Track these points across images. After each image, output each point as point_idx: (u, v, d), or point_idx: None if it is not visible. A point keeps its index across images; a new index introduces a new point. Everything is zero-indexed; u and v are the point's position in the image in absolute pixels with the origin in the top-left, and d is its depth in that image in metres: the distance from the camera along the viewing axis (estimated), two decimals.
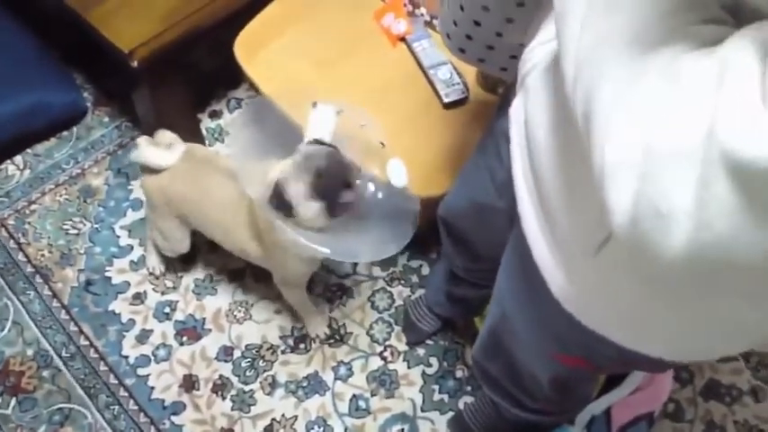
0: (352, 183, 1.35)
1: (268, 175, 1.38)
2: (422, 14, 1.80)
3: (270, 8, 1.84)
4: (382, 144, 1.50)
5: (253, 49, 1.78)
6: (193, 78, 2.10)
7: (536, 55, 0.87)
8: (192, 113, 2.15)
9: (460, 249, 1.42)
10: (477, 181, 1.19)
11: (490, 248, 1.32)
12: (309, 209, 1.33)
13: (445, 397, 1.74)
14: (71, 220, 1.99)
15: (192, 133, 2.01)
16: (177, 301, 1.87)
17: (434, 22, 1.80)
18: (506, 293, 1.05)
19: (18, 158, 2.10)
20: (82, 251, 1.94)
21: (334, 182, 1.33)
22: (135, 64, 1.72)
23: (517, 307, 1.02)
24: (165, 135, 1.67)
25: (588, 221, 0.74)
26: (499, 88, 1.71)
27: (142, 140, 1.64)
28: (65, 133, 2.16)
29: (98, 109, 2.21)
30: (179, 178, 1.61)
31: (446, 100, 1.69)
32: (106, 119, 2.19)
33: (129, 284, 1.89)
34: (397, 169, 1.47)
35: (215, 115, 2.20)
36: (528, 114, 0.85)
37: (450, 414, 1.71)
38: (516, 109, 0.91)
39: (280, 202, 1.33)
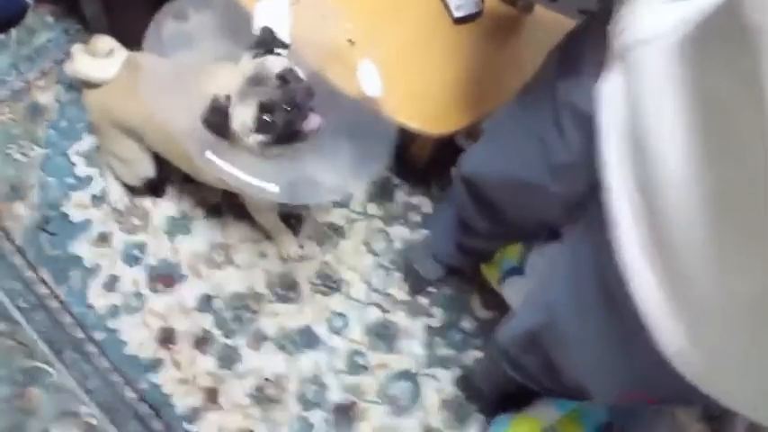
0: (307, 112, 1.12)
1: (203, 83, 1.16)
2: None
3: None
4: (350, 42, 1.28)
5: None
6: None
7: (649, 22, 0.63)
8: (152, 14, 1.83)
9: (486, 214, 1.22)
10: (524, 152, 0.96)
11: (524, 220, 1.12)
12: (254, 139, 1.13)
13: (451, 352, 1.59)
14: (17, 143, 1.72)
15: None
16: (147, 244, 1.65)
17: None
18: (565, 311, 0.86)
19: None
20: (33, 182, 1.68)
21: (286, 115, 1.11)
22: None
23: (582, 333, 0.83)
24: (104, 41, 1.44)
25: (751, 274, 0.53)
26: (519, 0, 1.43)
27: (76, 50, 1.43)
28: (1, 37, 1.83)
29: (40, 6, 1.87)
30: (122, 91, 1.39)
31: (456, 14, 1.43)
32: (50, 19, 1.86)
33: (91, 222, 1.66)
34: (369, 74, 1.25)
35: (180, 16, 1.86)
36: (641, 106, 0.62)
37: (457, 370, 1.58)
38: (613, 91, 0.67)
39: (217, 123, 1.12)
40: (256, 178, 1.12)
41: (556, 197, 0.91)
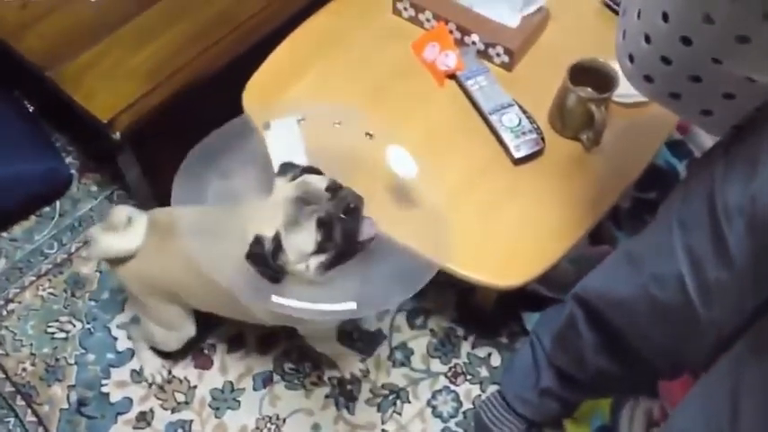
0: (361, 218, 1.01)
1: (242, 225, 1.03)
2: (473, 42, 1.43)
3: (281, 48, 1.47)
4: (369, 135, 1.15)
5: (266, 99, 1.41)
6: (194, 135, 1.71)
7: None
8: None
9: (604, 344, 1.09)
10: (660, 268, 0.87)
11: (653, 354, 1.00)
12: (313, 263, 1.00)
13: None
14: (57, 320, 1.63)
15: None
16: (192, 421, 1.50)
17: (490, 51, 1.42)
18: None
19: None
20: (72, 361, 1.58)
21: (343, 224, 0.99)
22: (117, 135, 1.36)
23: None
24: (119, 212, 1.31)
25: None
26: (583, 134, 1.32)
27: (94, 232, 1.32)
28: (46, 209, 1.81)
29: (85, 177, 1.86)
30: (152, 255, 1.28)
31: (517, 155, 1.30)
32: (94, 188, 1.84)
33: (132, 401, 1.53)
34: (400, 158, 1.13)
35: (226, 175, 1.82)
36: None
37: None
38: None
39: (267, 265, 0.99)
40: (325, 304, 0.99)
41: (710, 324, 0.78)
